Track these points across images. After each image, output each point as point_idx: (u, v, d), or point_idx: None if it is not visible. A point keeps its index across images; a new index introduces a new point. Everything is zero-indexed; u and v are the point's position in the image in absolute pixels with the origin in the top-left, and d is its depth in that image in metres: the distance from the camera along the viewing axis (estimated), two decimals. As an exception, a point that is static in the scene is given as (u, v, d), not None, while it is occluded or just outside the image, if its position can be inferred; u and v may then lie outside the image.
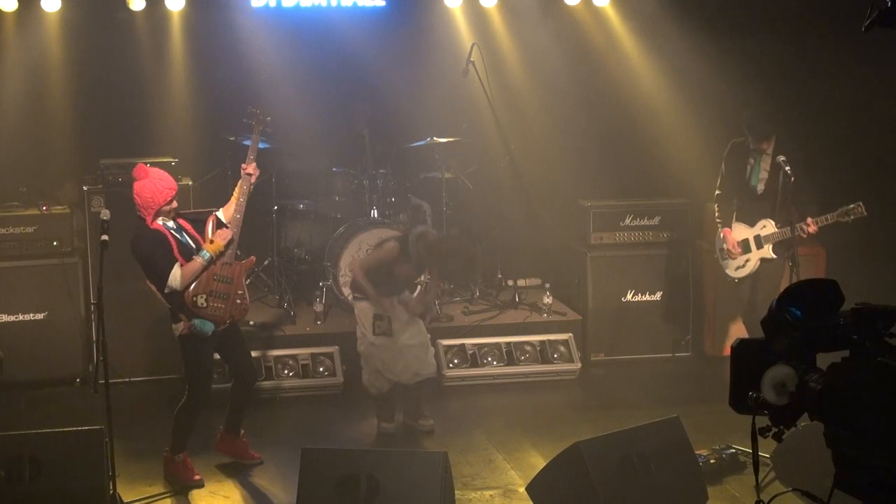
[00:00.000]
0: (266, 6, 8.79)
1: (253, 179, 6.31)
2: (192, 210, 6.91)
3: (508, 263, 9.23)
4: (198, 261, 6.04)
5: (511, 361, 8.13)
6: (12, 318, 7.81)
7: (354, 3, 8.95)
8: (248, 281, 8.61)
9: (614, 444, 5.53)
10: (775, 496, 3.51)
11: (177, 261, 6.01)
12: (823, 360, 2.99)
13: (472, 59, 8.36)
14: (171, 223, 6.10)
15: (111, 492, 5.66)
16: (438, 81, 9.10)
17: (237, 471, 6.49)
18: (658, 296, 8.63)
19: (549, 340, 8.28)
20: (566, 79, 9.25)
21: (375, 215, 8.73)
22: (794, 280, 6.48)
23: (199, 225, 6.24)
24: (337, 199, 8.88)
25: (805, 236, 7.09)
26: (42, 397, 7.69)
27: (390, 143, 9.16)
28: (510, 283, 9.07)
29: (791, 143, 7.27)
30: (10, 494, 5.40)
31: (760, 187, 7.30)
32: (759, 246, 7.29)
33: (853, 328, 2.91)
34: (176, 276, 6.00)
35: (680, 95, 8.88)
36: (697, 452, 6.00)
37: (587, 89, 9.31)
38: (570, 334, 8.33)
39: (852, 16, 3.89)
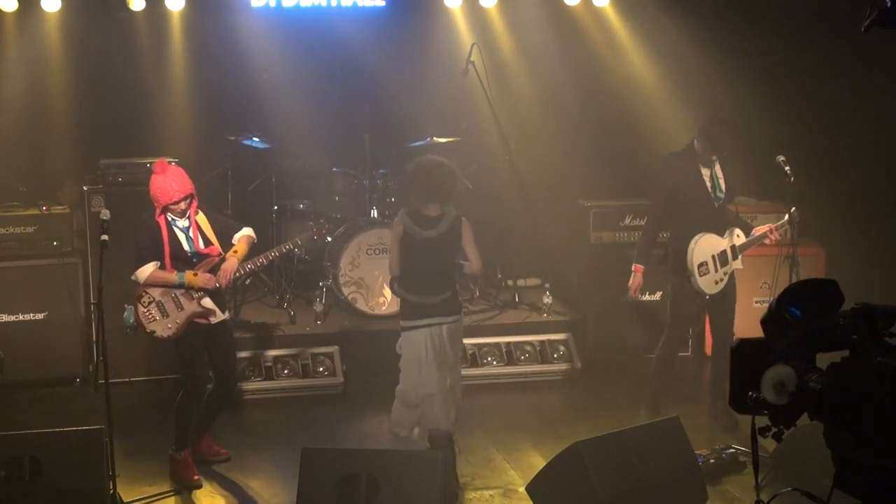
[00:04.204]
0: (266, 6, 8.80)
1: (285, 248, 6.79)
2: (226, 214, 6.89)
3: (508, 263, 9.23)
4: (171, 276, 6.12)
5: (511, 361, 8.13)
6: (12, 318, 7.80)
7: (354, 3, 8.96)
8: (249, 281, 8.63)
9: (614, 444, 5.53)
10: (775, 496, 3.51)
11: (156, 259, 6.10)
12: (823, 360, 2.99)
13: (472, 59, 8.36)
14: (181, 221, 6.17)
15: (111, 492, 5.66)
16: (438, 81, 9.10)
17: (237, 471, 6.49)
18: (658, 296, 8.61)
19: (548, 340, 8.29)
20: (566, 79, 9.25)
21: (375, 215, 8.73)
22: (795, 280, 6.47)
23: (228, 229, 6.39)
24: (337, 199, 8.87)
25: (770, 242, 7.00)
26: (42, 397, 7.68)
27: (390, 144, 9.16)
28: (510, 283, 9.07)
29: (791, 144, 7.24)
30: (10, 494, 5.40)
31: (724, 198, 6.98)
32: (735, 256, 7.02)
33: (853, 328, 2.91)
34: (145, 272, 6.12)
35: (679, 95, 8.87)
36: (697, 452, 6.00)
37: (587, 89, 9.31)
38: (570, 334, 8.33)
39: (852, 16, 3.88)
